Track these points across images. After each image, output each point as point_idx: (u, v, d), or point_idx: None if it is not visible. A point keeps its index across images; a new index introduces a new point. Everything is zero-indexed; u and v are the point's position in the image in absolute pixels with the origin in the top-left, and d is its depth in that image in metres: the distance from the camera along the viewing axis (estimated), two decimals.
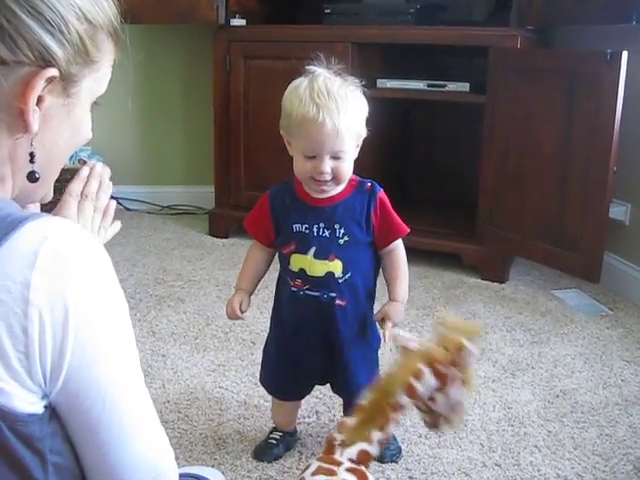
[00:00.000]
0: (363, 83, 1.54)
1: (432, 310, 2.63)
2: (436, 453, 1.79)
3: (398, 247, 1.64)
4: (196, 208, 3.86)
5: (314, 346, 1.64)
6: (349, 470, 1.10)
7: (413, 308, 2.64)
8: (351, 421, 1.15)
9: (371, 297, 1.66)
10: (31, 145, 0.82)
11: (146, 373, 2.12)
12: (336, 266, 1.57)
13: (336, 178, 1.52)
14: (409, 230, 1.63)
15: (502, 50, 2.76)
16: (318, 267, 1.57)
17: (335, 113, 1.45)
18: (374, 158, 3.28)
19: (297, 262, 1.59)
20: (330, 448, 1.12)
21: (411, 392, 1.13)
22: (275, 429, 1.81)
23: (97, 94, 0.87)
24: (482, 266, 2.96)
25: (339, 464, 1.10)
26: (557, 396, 2.07)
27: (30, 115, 0.78)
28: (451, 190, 3.45)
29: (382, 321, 1.61)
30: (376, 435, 1.12)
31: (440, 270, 3.04)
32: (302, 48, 3.12)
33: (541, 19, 2.86)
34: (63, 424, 0.78)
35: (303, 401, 1.89)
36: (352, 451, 1.12)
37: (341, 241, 1.57)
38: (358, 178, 1.61)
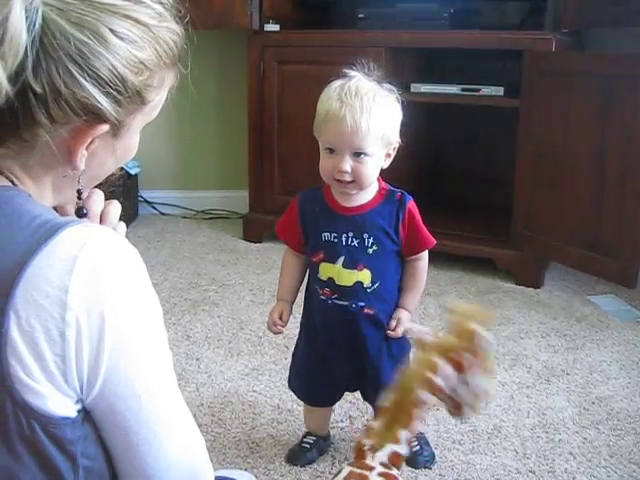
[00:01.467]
0: (400, 91, 1.54)
1: None
2: (470, 459, 1.78)
3: (422, 258, 1.64)
4: (230, 212, 3.88)
5: (343, 354, 1.64)
6: (381, 475, 1.10)
7: (447, 313, 2.63)
8: (377, 424, 1.15)
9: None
10: (78, 182, 0.84)
11: (180, 377, 2.13)
12: (365, 276, 1.56)
13: (357, 181, 1.51)
14: (435, 242, 1.62)
15: (537, 53, 2.74)
16: (347, 276, 1.56)
17: (357, 112, 1.44)
18: (409, 163, 3.27)
19: (326, 271, 1.59)
20: (360, 454, 1.12)
21: (430, 386, 1.13)
22: (308, 433, 1.82)
23: (149, 121, 0.89)
24: (517, 271, 2.94)
25: (371, 469, 1.10)
26: (593, 403, 2.04)
27: (78, 159, 0.80)
28: (486, 194, 3.42)
29: (395, 327, 1.61)
30: (403, 434, 1.12)
31: (474, 275, 3.02)
32: (335, 53, 3.14)
33: (576, 22, 2.83)
34: (95, 428, 0.80)
35: (336, 405, 1.89)
36: (383, 454, 1.12)
37: (370, 250, 1.56)
38: (389, 187, 1.61)
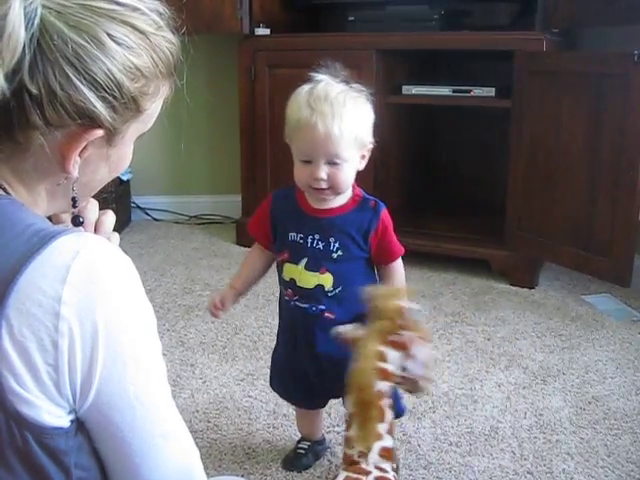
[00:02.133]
0: (370, 92, 1.51)
1: (461, 317, 2.62)
2: (467, 461, 1.78)
3: (395, 263, 1.60)
4: (223, 217, 3.87)
5: (310, 357, 1.60)
6: (378, 479, 1.10)
7: (442, 315, 2.63)
8: (353, 432, 1.17)
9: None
10: (72, 190, 0.84)
11: (175, 383, 2.12)
12: (326, 279, 1.53)
13: (333, 187, 1.48)
14: (404, 251, 1.58)
15: (527, 54, 2.75)
16: (308, 278, 1.54)
17: (329, 117, 1.41)
18: (401, 164, 3.28)
19: (289, 271, 1.57)
20: (353, 464, 1.13)
21: (384, 375, 1.16)
22: (302, 439, 1.81)
23: (144, 130, 0.89)
24: (511, 272, 2.93)
25: (367, 473, 1.10)
26: (589, 402, 2.04)
27: (71, 165, 0.80)
28: (479, 195, 3.43)
29: None
30: (382, 428, 1.15)
31: (469, 276, 3.02)
32: (326, 56, 3.12)
33: (566, 21, 2.83)
34: (89, 438, 0.79)
35: (332, 409, 1.88)
36: (373, 455, 1.13)
37: (334, 255, 1.53)
38: (363, 194, 1.57)
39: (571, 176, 2.64)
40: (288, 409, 1.97)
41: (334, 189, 1.49)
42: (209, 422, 1.94)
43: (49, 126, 0.76)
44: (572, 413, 1.99)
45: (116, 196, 3.53)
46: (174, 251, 3.41)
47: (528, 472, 1.73)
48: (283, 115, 3.32)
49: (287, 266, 1.57)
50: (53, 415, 0.74)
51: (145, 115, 0.85)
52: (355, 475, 1.10)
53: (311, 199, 1.56)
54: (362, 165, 1.53)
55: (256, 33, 3.23)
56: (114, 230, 1.01)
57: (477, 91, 2.91)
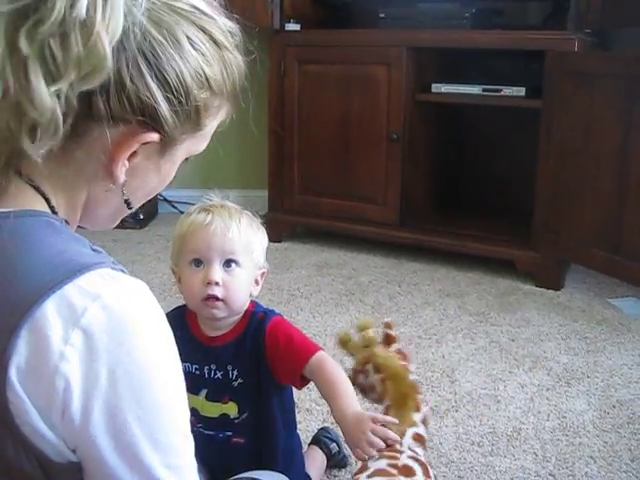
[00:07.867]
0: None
1: (486, 317, 2.61)
2: (489, 461, 1.77)
3: (322, 363, 1.39)
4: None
5: None
6: (411, 458, 1.18)
7: (466, 314, 2.62)
8: (391, 418, 1.24)
9: (285, 425, 1.48)
10: (123, 194, 0.81)
11: None
12: (231, 408, 1.42)
13: (227, 299, 1.35)
14: (320, 349, 1.41)
15: (559, 54, 2.73)
16: (211, 408, 1.43)
17: (226, 216, 1.37)
18: (429, 162, 3.27)
19: (189, 401, 1.43)
20: (387, 446, 1.21)
21: (408, 371, 1.32)
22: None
23: (194, 152, 0.87)
24: (537, 273, 2.92)
25: (401, 452, 1.19)
26: (613, 406, 2.03)
27: (118, 169, 0.77)
28: (506, 196, 3.41)
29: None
30: (417, 417, 1.26)
31: (494, 276, 3.00)
32: (357, 53, 3.14)
33: (599, 22, 2.81)
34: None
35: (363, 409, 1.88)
36: (407, 439, 1.22)
37: (235, 383, 1.41)
38: (253, 308, 1.45)
39: (600, 178, 2.62)
40: (311, 404, 1.98)
41: (227, 303, 1.36)
42: None
43: (109, 119, 0.73)
44: (596, 416, 1.98)
45: None
46: None
47: (550, 474, 1.72)
48: (312, 110, 3.33)
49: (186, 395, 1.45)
50: (57, 452, 0.72)
51: (201, 133, 0.84)
52: (390, 453, 1.17)
53: (204, 325, 1.43)
54: (256, 291, 1.43)
55: (286, 28, 3.24)
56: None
57: (507, 91, 2.90)
